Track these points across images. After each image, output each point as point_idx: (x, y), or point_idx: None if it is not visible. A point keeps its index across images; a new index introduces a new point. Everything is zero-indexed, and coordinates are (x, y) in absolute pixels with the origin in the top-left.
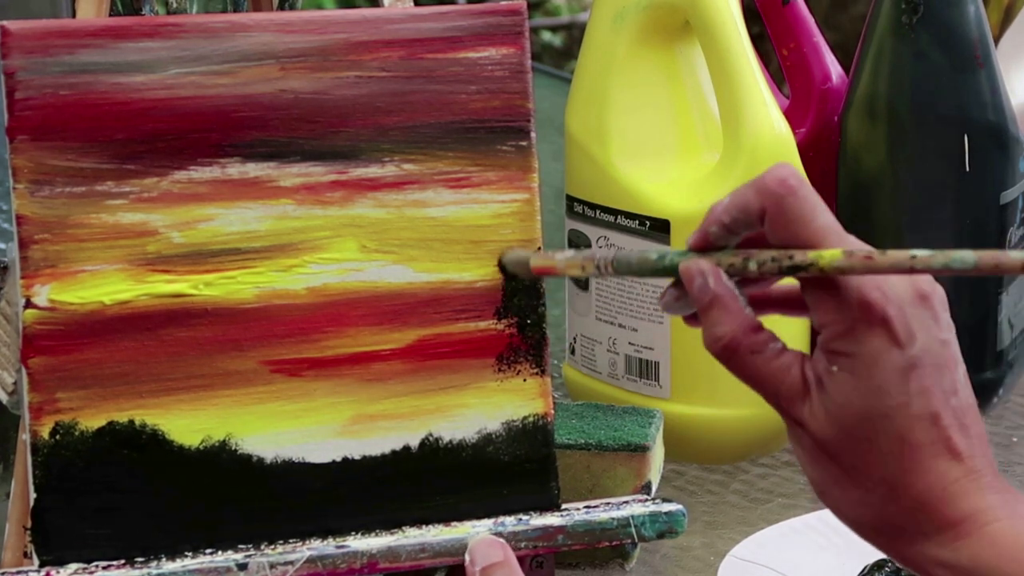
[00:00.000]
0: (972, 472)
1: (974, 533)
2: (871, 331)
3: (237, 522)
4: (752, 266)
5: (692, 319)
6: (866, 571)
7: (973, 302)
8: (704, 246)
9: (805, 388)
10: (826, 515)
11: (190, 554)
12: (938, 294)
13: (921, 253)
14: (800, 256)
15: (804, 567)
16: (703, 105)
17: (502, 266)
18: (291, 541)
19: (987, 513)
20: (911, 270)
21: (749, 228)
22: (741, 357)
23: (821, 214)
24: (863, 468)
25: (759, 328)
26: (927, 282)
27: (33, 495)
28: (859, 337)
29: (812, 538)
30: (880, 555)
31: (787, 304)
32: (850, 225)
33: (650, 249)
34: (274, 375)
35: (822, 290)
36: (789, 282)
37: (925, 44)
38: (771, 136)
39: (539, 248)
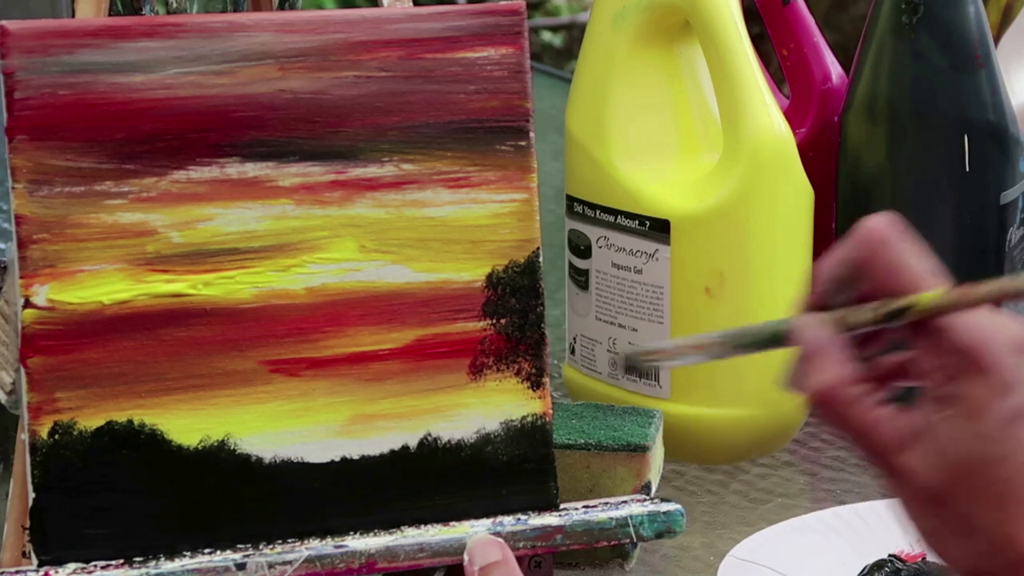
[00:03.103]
0: None
1: None
2: (976, 378)
3: (235, 522)
4: (856, 318)
5: None
6: (866, 571)
7: None
8: (814, 307)
9: (910, 437)
10: (826, 515)
11: (188, 554)
12: None
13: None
14: (899, 302)
15: (804, 567)
16: (703, 105)
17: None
18: (289, 541)
19: None
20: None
21: (854, 283)
22: (837, 408)
23: (918, 260)
24: (973, 516)
25: (859, 380)
26: None
27: (32, 495)
28: (964, 384)
29: (812, 538)
30: (880, 555)
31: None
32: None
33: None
34: (273, 375)
35: (926, 339)
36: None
37: (925, 44)
38: (771, 136)
39: (538, 248)
